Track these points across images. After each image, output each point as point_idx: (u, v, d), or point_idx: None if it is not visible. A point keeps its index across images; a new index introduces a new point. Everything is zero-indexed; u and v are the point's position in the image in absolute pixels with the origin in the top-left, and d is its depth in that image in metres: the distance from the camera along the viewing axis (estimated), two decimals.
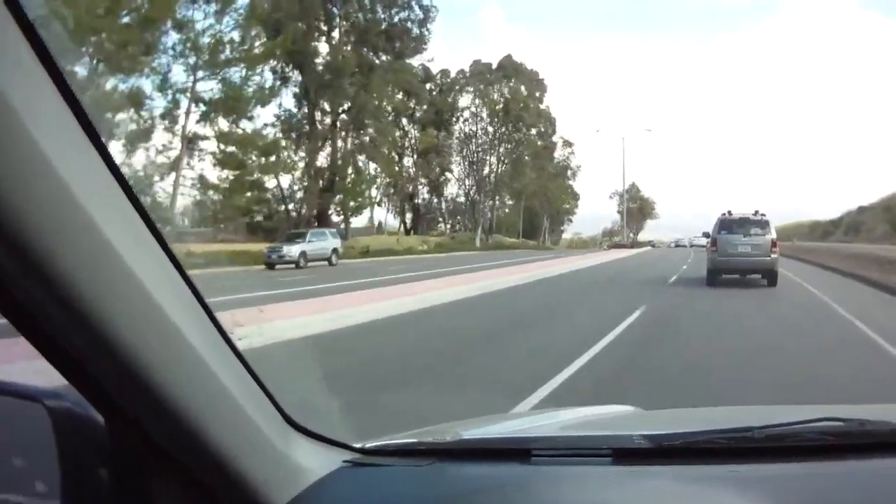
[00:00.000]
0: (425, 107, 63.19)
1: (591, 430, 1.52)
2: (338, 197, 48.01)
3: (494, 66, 66.10)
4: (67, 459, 0.90)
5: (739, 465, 1.22)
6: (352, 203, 49.36)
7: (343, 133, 49.21)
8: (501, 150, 70.51)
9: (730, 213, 18.22)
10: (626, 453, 1.25)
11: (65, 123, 0.74)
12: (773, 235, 17.21)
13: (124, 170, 0.82)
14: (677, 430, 1.35)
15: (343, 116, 48.88)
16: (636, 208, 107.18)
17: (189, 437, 0.89)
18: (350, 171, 48.47)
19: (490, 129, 67.74)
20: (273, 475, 1.04)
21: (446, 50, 74.42)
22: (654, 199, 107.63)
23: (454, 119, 65.96)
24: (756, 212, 17.99)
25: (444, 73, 65.22)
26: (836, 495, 1.15)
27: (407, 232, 62.72)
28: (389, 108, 56.02)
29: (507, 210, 77.06)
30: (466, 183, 69.03)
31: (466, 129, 67.87)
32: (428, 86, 63.70)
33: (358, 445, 1.27)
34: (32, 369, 0.88)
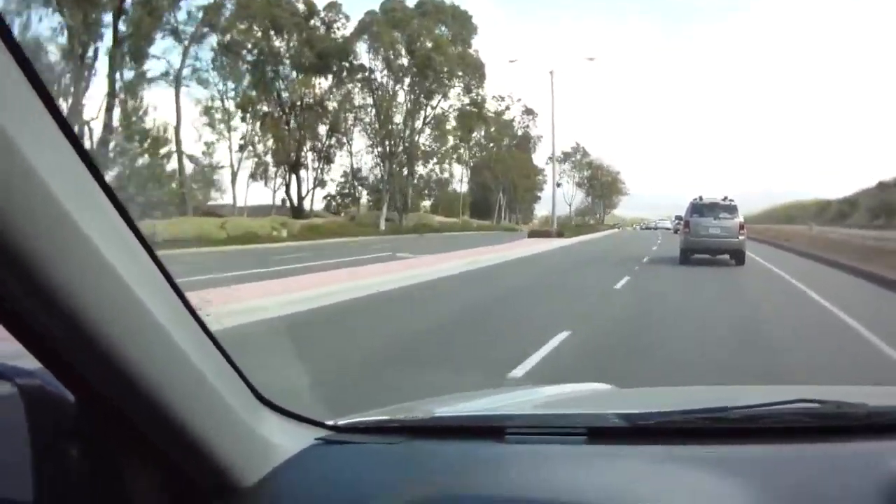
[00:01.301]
0: (305, 49, 53.11)
1: (566, 409, 1.59)
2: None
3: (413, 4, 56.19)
4: (39, 438, 0.96)
5: (715, 446, 1.28)
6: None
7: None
8: (412, 106, 58.81)
9: (701, 198, 21.66)
10: (601, 432, 1.32)
11: (28, 104, 0.79)
12: (741, 219, 20.85)
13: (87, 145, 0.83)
14: (652, 410, 1.41)
15: None
16: (598, 184, 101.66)
17: (159, 414, 0.96)
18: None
19: (392, 81, 57.29)
20: (244, 452, 1.12)
21: None
22: (621, 173, 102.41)
23: (348, 66, 56.52)
24: (725, 197, 21.58)
25: (333, 6, 55.84)
26: (812, 477, 1.21)
27: (294, 211, 54.22)
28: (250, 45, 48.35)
29: (458, 185, 77.03)
30: (377, 150, 58.92)
31: (375, 81, 56.63)
32: (314, 23, 54.85)
33: (330, 423, 1.34)
34: (7, 352, 0.96)
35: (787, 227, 44.74)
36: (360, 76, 53.50)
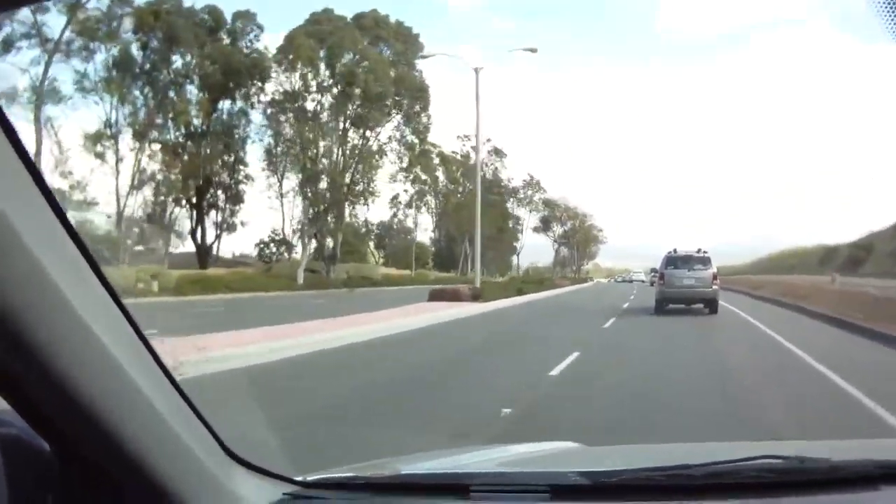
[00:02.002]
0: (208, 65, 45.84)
1: (529, 467, 1.69)
2: None
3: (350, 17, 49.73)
4: (14, 486, 1.02)
5: (677, 503, 1.36)
6: None
7: None
8: (340, 136, 50.01)
9: (675, 250, 23.88)
10: (564, 490, 1.40)
11: None
12: (714, 270, 23.11)
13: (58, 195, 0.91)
14: (615, 468, 1.50)
15: None
16: (572, 232, 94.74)
17: (130, 466, 1.05)
18: None
19: (314, 105, 48.45)
20: None
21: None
22: (593, 216, 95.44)
23: (259, 84, 48.36)
24: (699, 249, 23.69)
25: (243, 15, 48.25)
26: None
27: (201, 260, 47.02)
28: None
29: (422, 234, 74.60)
30: (293, 186, 50.36)
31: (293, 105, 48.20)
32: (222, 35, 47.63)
33: (299, 478, 1.43)
34: None
35: (796, 280, 37.69)
36: (272, 99, 48.25)
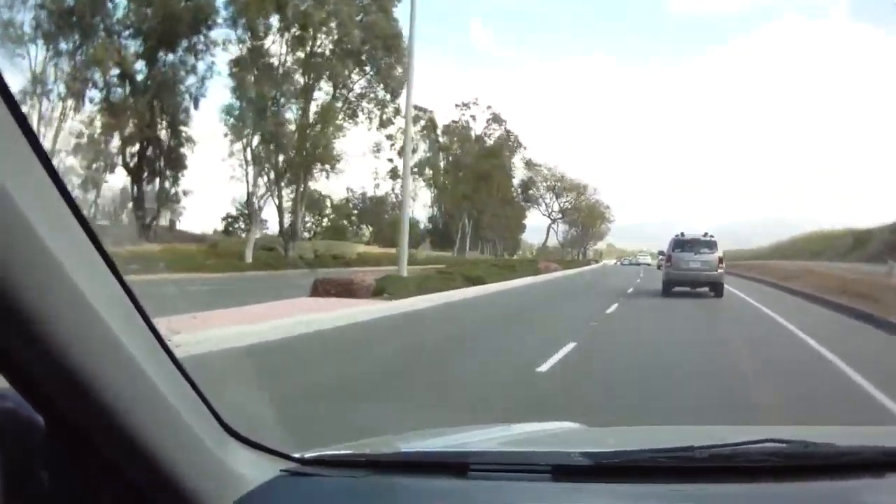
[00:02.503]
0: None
1: (531, 447, 1.70)
2: None
3: None
4: (7, 461, 1.06)
5: (680, 485, 1.38)
6: None
7: None
8: (299, 92, 42.40)
9: (683, 234, 25.05)
10: (566, 470, 1.41)
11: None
12: (720, 254, 23.89)
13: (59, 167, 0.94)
14: (618, 449, 1.52)
15: None
16: (575, 209, 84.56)
17: (126, 441, 1.08)
18: None
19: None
20: (210, 482, 1.23)
21: None
22: (602, 197, 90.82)
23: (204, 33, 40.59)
24: (705, 233, 24.83)
25: None
26: None
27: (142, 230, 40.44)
28: None
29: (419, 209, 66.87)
30: (246, 153, 41.49)
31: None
32: None
33: (297, 455, 1.45)
34: None
35: (836, 269, 31.13)
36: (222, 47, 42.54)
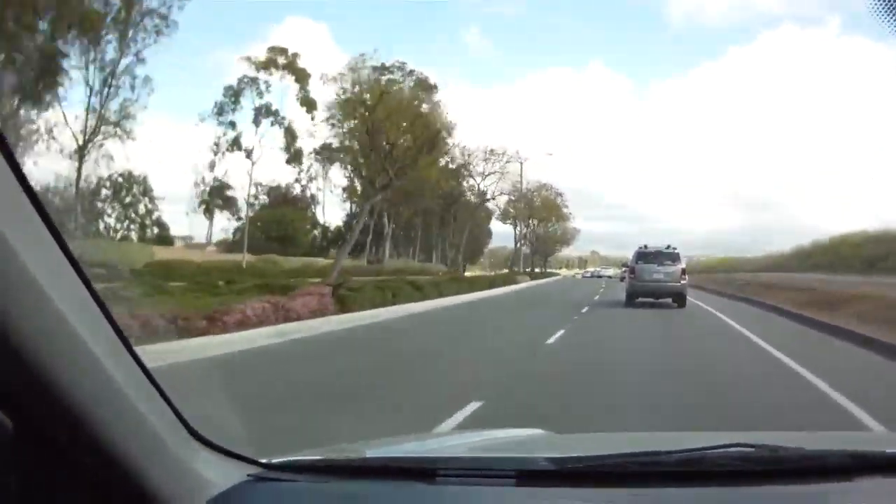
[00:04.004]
0: None
1: (497, 452, 1.71)
2: None
3: None
4: None
5: (645, 489, 1.39)
6: None
7: None
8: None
9: (646, 246, 25.51)
10: (531, 475, 1.42)
11: None
12: (683, 265, 24.72)
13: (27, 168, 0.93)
14: (584, 454, 1.53)
15: None
16: (520, 205, 69.64)
17: (92, 445, 1.08)
18: None
19: None
20: (176, 485, 1.23)
21: None
22: (563, 195, 73.38)
23: None
24: (668, 245, 25.32)
25: None
26: None
27: None
28: None
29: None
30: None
31: None
32: None
33: (263, 461, 1.45)
34: None
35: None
36: None
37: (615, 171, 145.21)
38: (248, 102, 51.22)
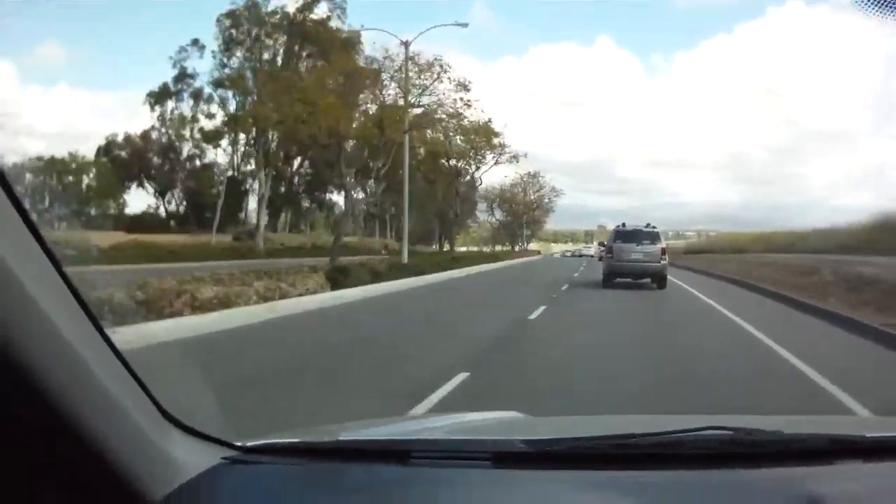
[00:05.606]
0: None
1: (473, 434, 1.71)
2: None
3: None
4: None
5: (622, 472, 1.38)
6: None
7: None
8: None
9: (624, 224, 24.22)
10: (507, 457, 1.42)
11: None
12: (663, 245, 23.46)
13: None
14: (560, 436, 1.52)
15: None
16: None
17: (63, 428, 1.07)
18: None
19: None
20: (149, 469, 1.22)
21: None
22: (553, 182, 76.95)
23: None
24: (648, 224, 23.90)
25: None
26: (721, 502, 1.30)
27: None
28: None
29: None
30: None
31: None
32: None
33: (238, 444, 1.44)
34: None
35: None
36: None
37: (624, 145, 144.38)
38: None
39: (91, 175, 57.20)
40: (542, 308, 14.83)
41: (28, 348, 0.94)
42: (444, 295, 19.39)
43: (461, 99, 33.00)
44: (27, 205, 0.99)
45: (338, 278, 17.49)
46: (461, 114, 34.85)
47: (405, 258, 29.06)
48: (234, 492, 1.30)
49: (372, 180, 41.90)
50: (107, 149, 56.08)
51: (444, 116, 35.12)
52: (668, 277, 23.34)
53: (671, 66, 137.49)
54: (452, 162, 49.19)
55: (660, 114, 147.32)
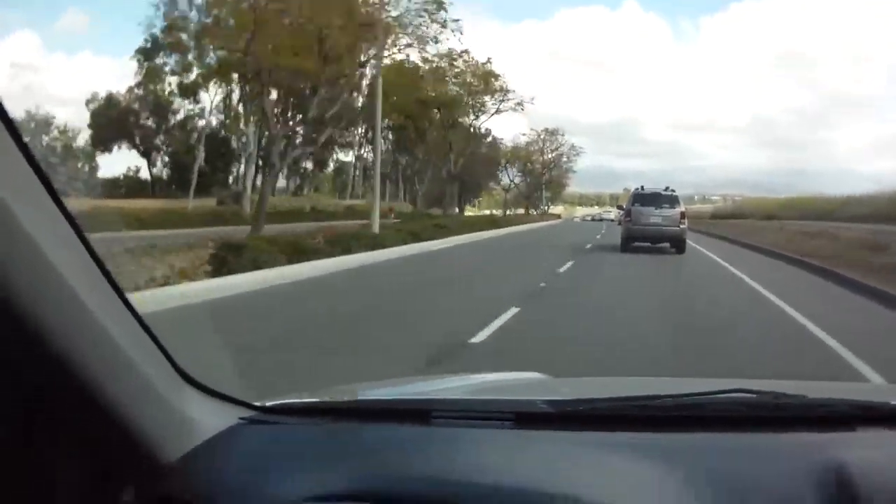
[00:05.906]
0: None
1: (494, 395, 1.69)
2: None
3: None
4: None
5: (643, 434, 1.38)
6: None
7: None
8: None
9: (643, 187, 24.13)
10: (529, 418, 1.42)
11: None
12: (682, 208, 23.09)
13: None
14: (583, 397, 1.52)
15: None
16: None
17: (79, 389, 1.06)
18: None
19: None
20: (166, 429, 1.22)
21: None
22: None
23: None
24: (667, 187, 23.76)
25: None
26: (744, 466, 1.28)
27: None
28: None
29: None
30: None
31: None
32: None
33: (257, 403, 1.44)
34: None
35: None
36: None
37: (650, 108, 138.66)
38: None
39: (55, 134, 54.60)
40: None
41: (41, 308, 0.92)
42: (356, 297, 11.91)
43: (436, 20, 27.62)
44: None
45: (226, 259, 12.09)
46: (437, 38, 28.82)
47: (376, 227, 23.77)
48: (252, 452, 1.30)
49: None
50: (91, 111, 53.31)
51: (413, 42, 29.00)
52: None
53: (698, 29, 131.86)
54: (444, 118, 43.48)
55: (686, 76, 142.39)
